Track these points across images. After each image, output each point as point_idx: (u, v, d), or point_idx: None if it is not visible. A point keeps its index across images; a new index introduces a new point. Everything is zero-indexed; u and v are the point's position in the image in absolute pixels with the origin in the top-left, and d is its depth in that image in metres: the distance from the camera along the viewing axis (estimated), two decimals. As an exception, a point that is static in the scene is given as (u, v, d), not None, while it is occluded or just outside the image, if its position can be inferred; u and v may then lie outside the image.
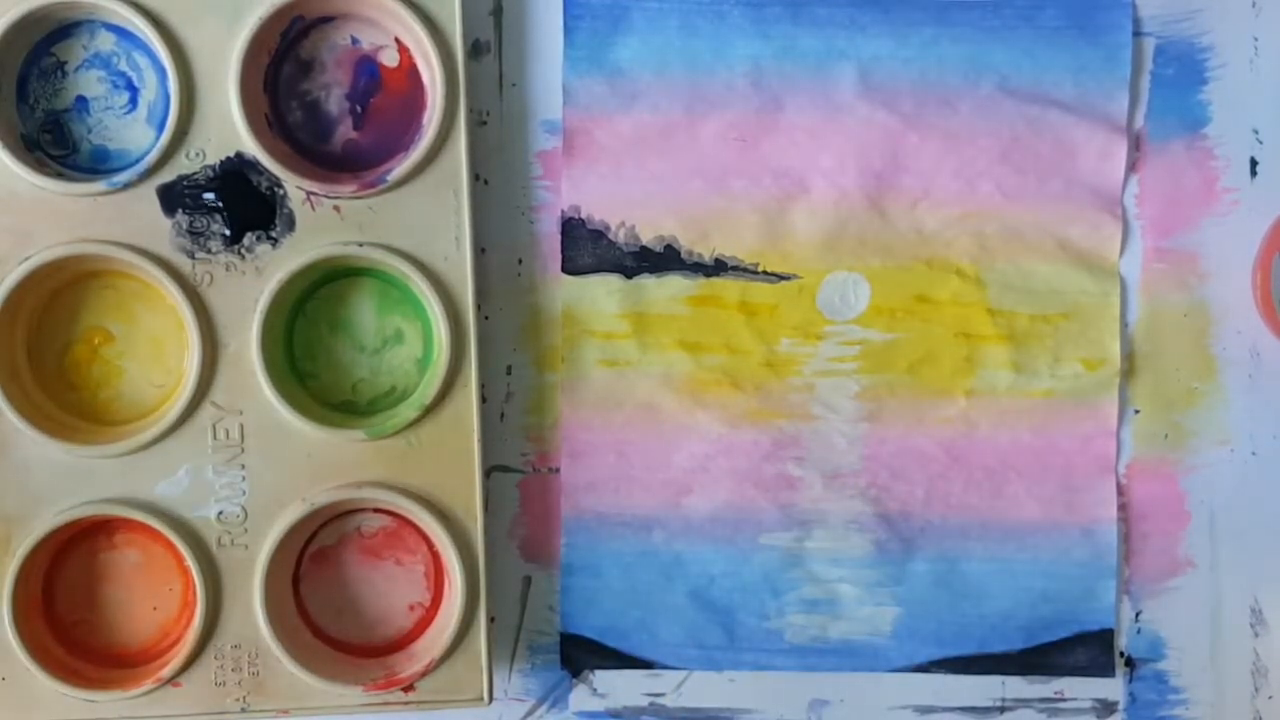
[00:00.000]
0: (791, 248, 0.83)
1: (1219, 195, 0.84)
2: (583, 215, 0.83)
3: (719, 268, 0.83)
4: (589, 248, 0.83)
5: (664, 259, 0.83)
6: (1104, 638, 0.84)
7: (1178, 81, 0.83)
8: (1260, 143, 0.84)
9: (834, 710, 0.85)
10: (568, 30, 0.82)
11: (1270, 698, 0.85)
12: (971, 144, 0.83)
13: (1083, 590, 0.84)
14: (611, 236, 0.83)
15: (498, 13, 0.83)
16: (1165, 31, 0.83)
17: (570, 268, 0.83)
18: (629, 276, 0.83)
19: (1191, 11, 0.83)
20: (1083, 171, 0.83)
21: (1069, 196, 0.83)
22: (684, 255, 0.83)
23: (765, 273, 0.83)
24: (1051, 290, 0.83)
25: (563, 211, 0.83)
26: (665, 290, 0.83)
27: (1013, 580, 0.84)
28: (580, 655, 0.85)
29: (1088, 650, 0.84)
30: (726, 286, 0.83)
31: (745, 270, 0.83)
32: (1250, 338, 0.84)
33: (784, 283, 0.83)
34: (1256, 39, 0.83)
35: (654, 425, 0.84)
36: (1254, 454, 0.84)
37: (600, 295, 0.83)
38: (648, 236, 0.83)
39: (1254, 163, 0.84)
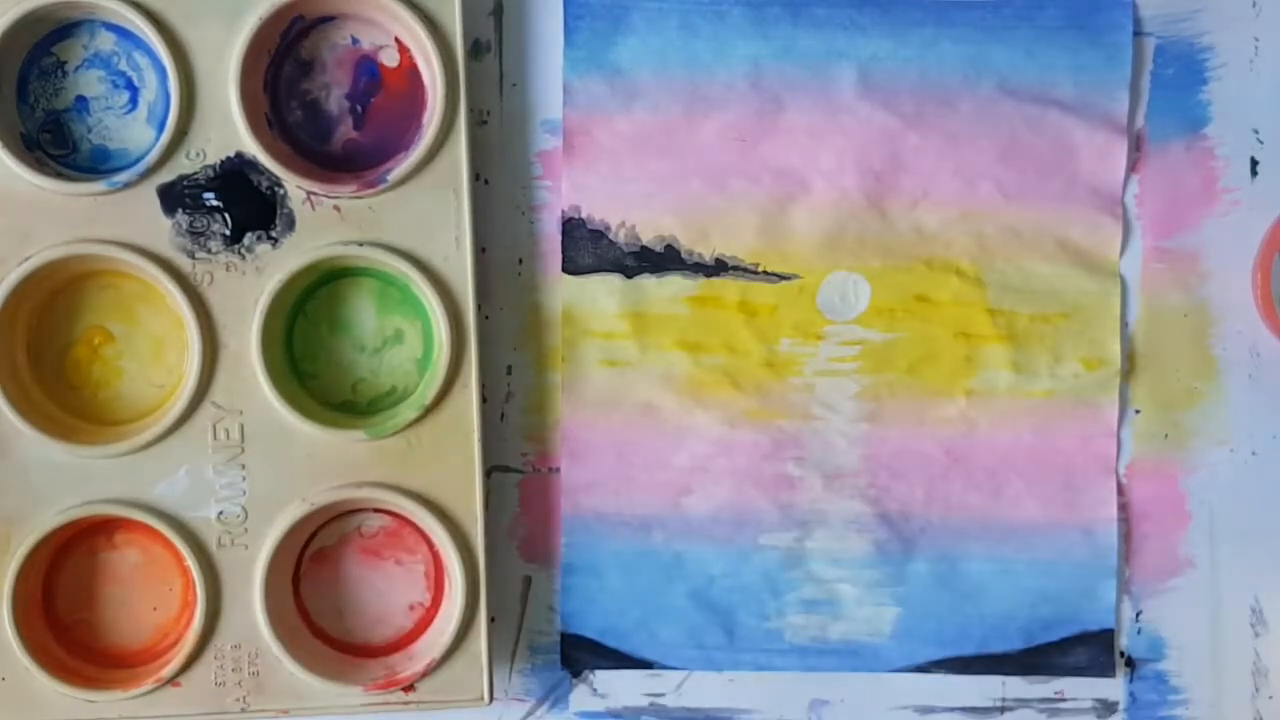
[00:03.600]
0: (791, 248, 0.83)
1: (1219, 195, 0.84)
2: (583, 215, 0.83)
3: (719, 268, 0.83)
4: (589, 247, 0.83)
5: (664, 259, 0.83)
6: (1104, 638, 0.84)
7: (1178, 81, 0.83)
8: (1260, 143, 0.84)
9: (834, 710, 0.85)
10: (568, 30, 0.82)
11: (1270, 698, 0.85)
12: (971, 144, 0.83)
13: (1083, 590, 0.84)
14: (611, 236, 0.83)
15: (498, 13, 0.83)
16: (1165, 31, 0.83)
17: (570, 268, 0.83)
18: (629, 276, 0.83)
19: (1192, 11, 0.83)
20: (1083, 171, 0.83)
21: (1069, 196, 0.83)
22: (684, 255, 0.83)
23: (765, 273, 0.83)
24: (1051, 290, 0.83)
25: (563, 211, 0.83)
26: (665, 290, 0.83)
27: (1013, 580, 0.84)
28: (580, 655, 0.84)
29: (1088, 650, 0.84)
30: (726, 286, 0.83)
31: (745, 270, 0.83)
32: (1250, 338, 0.84)
33: (784, 283, 0.83)
34: (1257, 39, 0.83)
35: (654, 425, 0.84)
36: (1254, 454, 0.84)
37: (600, 295, 0.83)
38: (648, 236, 0.83)
39: (1254, 163, 0.84)
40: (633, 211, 0.83)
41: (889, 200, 0.83)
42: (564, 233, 0.83)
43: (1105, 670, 0.84)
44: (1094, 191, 0.83)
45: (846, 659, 0.85)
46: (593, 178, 0.83)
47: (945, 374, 0.83)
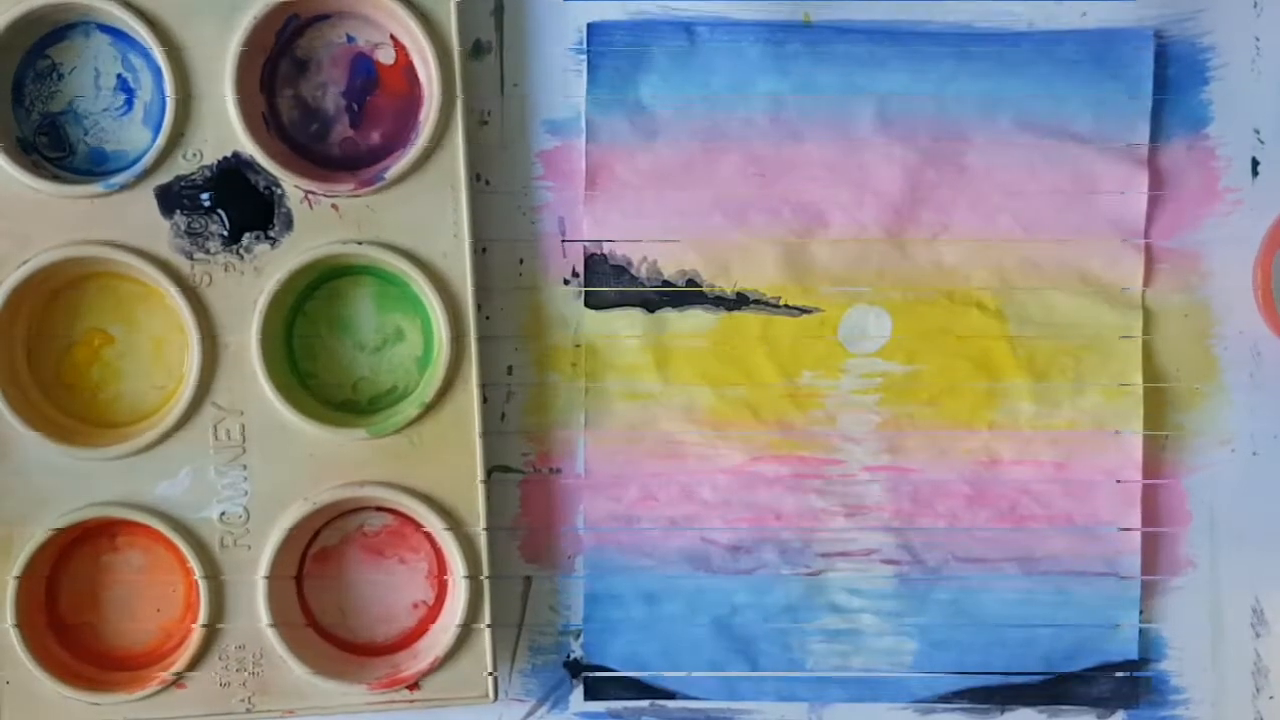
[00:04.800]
0: (812, 281, 0.83)
1: (1220, 195, 0.84)
2: (605, 250, 0.83)
3: (740, 301, 0.83)
4: (611, 282, 0.83)
5: (686, 293, 0.83)
6: (1127, 669, 0.85)
7: (1179, 82, 0.83)
8: (1261, 143, 0.84)
9: (835, 711, 0.85)
10: (590, 67, 0.82)
11: (1271, 698, 0.86)
12: (990, 177, 0.82)
13: (1106, 621, 0.84)
14: (634, 271, 0.83)
15: (499, 12, 0.82)
16: (1167, 31, 0.83)
17: (593, 302, 0.83)
18: (651, 310, 0.83)
19: (1193, 11, 0.83)
20: (1103, 204, 0.83)
21: (1089, 229, 0.83)
22: (705, 289, 0.83)
23: (786, 306, 0.83)
24: (1072, 322, 0.83)
25: (585, 247, 0.83)
26: (687, 324, 0.83)
27: (1035, 612, 0.84)
28: (602, 686, 0.85)
29: (1110, 681, 0.85)
30: (748, 320, 0.83)
31: (767, 304, 0.83)
32: (1251, 338, 0.84)
33: (805, 316, 0.83)
34: (1258, 39, 0.83)
35: (676, 457, 0.84)
36: (1255, 454, 0.85)
37: (623, 329, 0.83)
38: (669, 270, 0.83)
39: (1255, 163, 0.84)
40: (654, 246, 0.83)
41: (908, 234, 0.83)
42: (587, 267, 0.83)
43: (1129, 702, 0.85)
44: (1114, 224, 0.83)
45: (868, 689, 0.85)
46: (614, 213, 0.83)
47: (967, 406, 0.84)
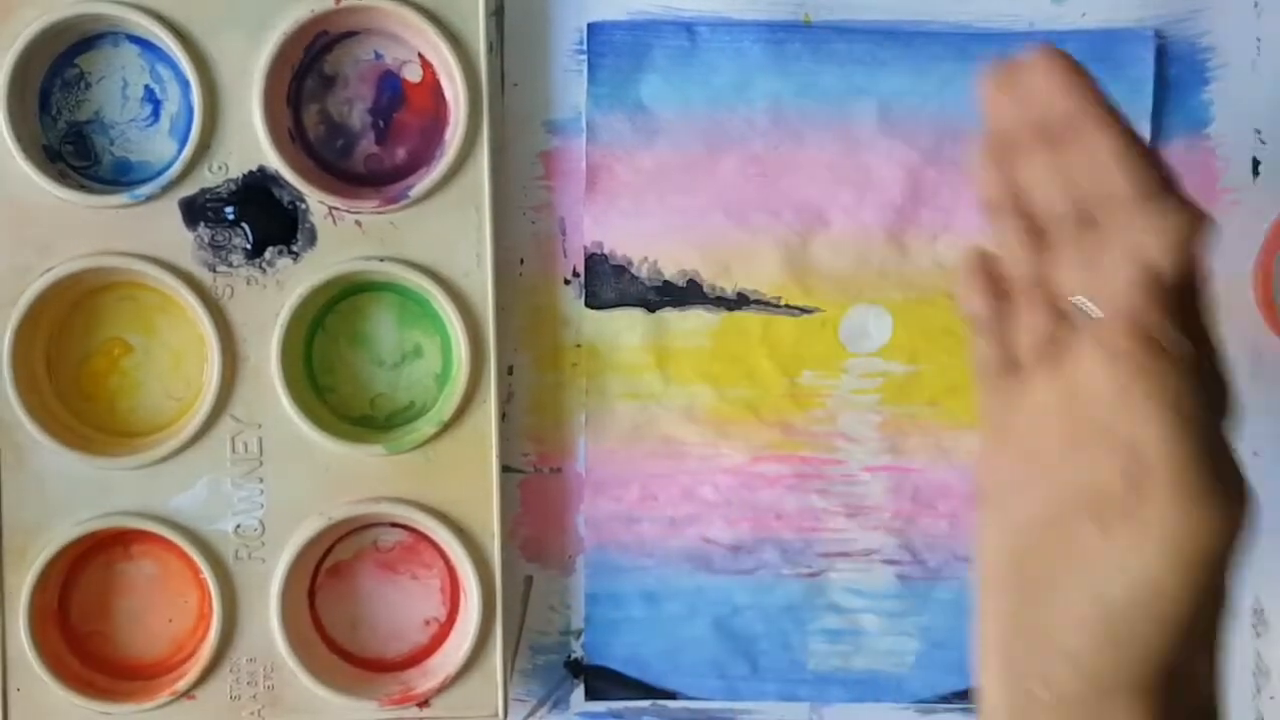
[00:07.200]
0: (813, 281, 0.83)
1: (1220, 195, 0.84)
2: (605, 250, 0.83)
3: (741, 301, 0.83)
4: (612, 282, 0.83)
5: (686, 293, 0.83)
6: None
7: (1180, 81, 0.83)
8: (1262, 143, 0.84)
9: (835, 711, 0.85)
10: (590, 67, 0.82)
11: (1272, 698, 0.86)
12: (990, 177, 0.83)
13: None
14: (634, 271, 0.83)
15: (499, 13, 0.82)
16: (1167, 31, 0.83)
17: (593, 302, 0.83)
18: (651, 310, 0.83)
19: (1193, 11, 0.83)
20: (1103, 203, 0.83)
21: (1090, 228, 0.83)
22: (706, 289, 0.83)
23: (787, 306, 0.83)
24: (1072, 322, 0.84)
25: (585, 247, 0.83)
26: (688, 324, 0.83)
27: (1036, 612, 0.84)
28: (604, 686, 0.85)
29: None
30: (748, 320, 0.84)
31: (767, 304, 0.83)
32: (1251, 338, 0.84)
33: (806, 316, 0.84)
34: (1259, 39, 0.83)
35: (677, 457, 0.84)
36: (1255, 454, 0.84)
37: (623, 329, 0.83)
38: (670, 271, 0.83)
39: (1256, 163, 0.84)
40: (655, 246, 0.83)
41: (909, 234, 0.83)
42: (587, 267, 0.83)
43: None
44: (1115, 223, 0.83)
45: (869, 689, 0.85)
46: (615, 213, 0.83)
47: (968, 406, 0.83)
